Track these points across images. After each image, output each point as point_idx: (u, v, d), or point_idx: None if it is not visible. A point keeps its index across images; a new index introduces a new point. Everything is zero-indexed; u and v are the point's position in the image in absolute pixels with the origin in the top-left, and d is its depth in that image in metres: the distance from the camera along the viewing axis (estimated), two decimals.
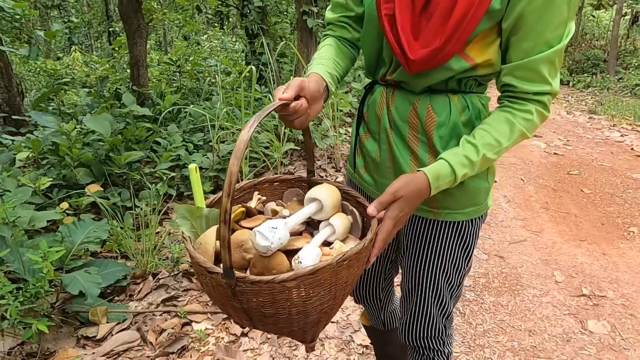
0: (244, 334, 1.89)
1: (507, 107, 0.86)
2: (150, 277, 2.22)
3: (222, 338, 1.86)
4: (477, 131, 0.85)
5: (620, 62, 9.69)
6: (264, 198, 0.97)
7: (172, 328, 1.89)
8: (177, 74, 5.64)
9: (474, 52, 0.83)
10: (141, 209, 2.41)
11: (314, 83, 0.84)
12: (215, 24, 12.99)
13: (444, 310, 1.07)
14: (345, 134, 4.19)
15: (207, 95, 4.84)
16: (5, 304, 1.52)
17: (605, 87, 8.52)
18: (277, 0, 6.32)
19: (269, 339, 1.87)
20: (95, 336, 1.81)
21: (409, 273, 1.08)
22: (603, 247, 2.69)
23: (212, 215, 0.83)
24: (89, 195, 2.46)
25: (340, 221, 0.84)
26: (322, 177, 3.62)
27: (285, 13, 7.35)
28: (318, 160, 3.93)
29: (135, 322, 1.93)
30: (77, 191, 2.56)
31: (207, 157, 3.24)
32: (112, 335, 1.83)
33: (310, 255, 0.73)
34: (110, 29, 11.24)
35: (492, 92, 0.82)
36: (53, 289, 1.83)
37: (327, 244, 0.84)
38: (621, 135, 5.31)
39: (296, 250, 0.77)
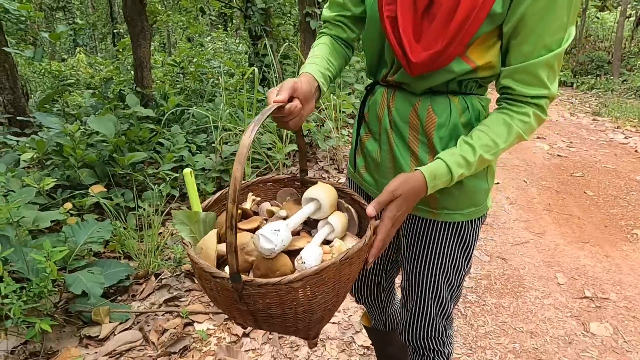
0: (245, 335, 1.89)
1: (505, 109, 0.86)
2: (153, 278, 2.23)
3: (224, 338, 1.87)
4: (474, 132, 0.86)
5: (625, 63, 9.66)
6: (259, 199, 0.97)
7: (174, 328, 1.90)
8: (181, 75, 5.66)
9: (475, 55, 0.83)
10: (144, 209, 2.42)
11: (306, 83, 0.84)
12: (219, 26, 13.03)
13: (444, 311, 1.08)
14: (347, 135, 4.19)
15: (210, 96, 4.86)
16: (9, 303, 1.53)
17: (610, 88, 8.48)
18: (281, 2, 6.34)
19: (270, 339, 1.87)
20: (98, 336, 1.82)
21: (408, 273, 1.08)
22: (606, 249, 2.68)
23: (209, 219, 0.84)
24: (92, 196, 2.47)
25: (339, 220, 0.86)
26: (324, 178, 3.62)
27: (289, 15, 7.37)
28: (320, 161, 3.94)
29: (138, 322, 1.94)
30: (81, 192, 2.58)
31: (210, 158, 3.25)
32: (115, 335, 1.84)
33: (312, 255, 0.74)
34: (115, 31, 11.30)
35: (493, 93, 0.82)
36: (56, 289, 1.85)
37: (326, 242, 0.85)
38: (625, 137, 5.29)
39: (297, 251, 0.78)
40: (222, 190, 0.93)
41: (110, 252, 2.40)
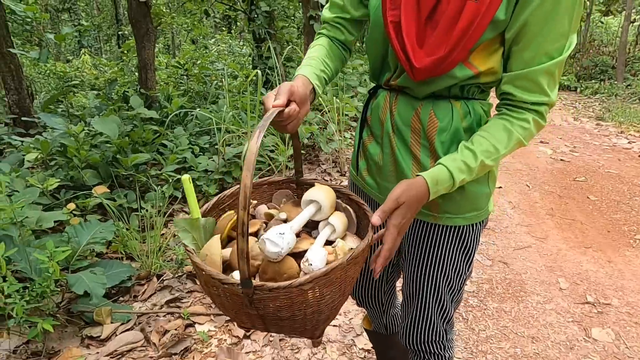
0: (246, 337, 1.90)
1: (505, 115, 0.87)
2: (155, 279, 2.24)
3: (225, 340, 1.87)
4: (475, 137, 0.86)
5: (629, 68, 9.64)
6: (255, 202, 0.98)
7: (176, 329, 1.91)
8: (185, 77, 5.69)
9: (477, 61, 0.84)
10: (147, 210, 2.43)
11: (302, 86, 0.85)
12: (223, 28, 13.08)
13: (445, 315, 1.08)
14: (350, 138, 4.19)
15: (213, 98, 4.88)
16: (12, 302, 1.54)
17: (613, 93, 8.47)
18: (285, 5, 6.37)
19: (271, 341, 1.88)
20: (100, 336, 1.83)
21: (410, 277, 1.08)
22: (609, 254, 2.67)
23: (208, 225, 0.85)
24: (95, 197, 2.49)
25: (339, 220, 0.87)
26: (326, 180, 3.62)
27: (293, 17, 7.40)
28: (323, 164, 3.95)
29: (139, 323, 1.94)
30: (84, 192, 2.59)
31: (213, 160, 3.26)
32: (116, 335, 1.85)
33: (318, 256, 0.75)
34: (120, 32, 11.36)
35: (495, 98, 0.83)
36: (59, 289, 1.85)
37: (327, 242, 0.86)
38: (629, 142, 5.27)
39: (300, 253, 0.79)
40: (219, 195, 0.94)
41: (113, 252, 2.41)
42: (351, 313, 2.08)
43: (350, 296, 1.29)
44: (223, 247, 0.83)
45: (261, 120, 0.70)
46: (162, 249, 2.37)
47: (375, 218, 0.80)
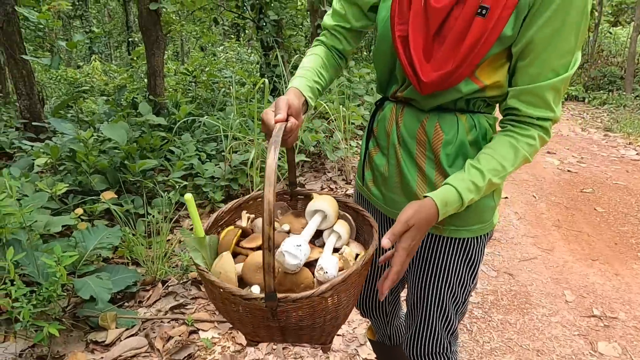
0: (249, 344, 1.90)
1: (510, 132, 0.87)
2: (160, 284, 2.25)
3: (228, 347, 1.87)
4: (481, 156, 0.86)
5: (638, 79, 9.58)
6: (253, 216, 0.99)
7: (180, 335, 1.91)
8: (193, 84, 5.75)
9: (483, 75, 0.85)
10: (153, 216, 2.45)
11: (296, 100, 0.87)
12: (232, 36, 13.22)
13: (449, 326, 1.08)
14: (356, 146, 4.21)
15: (221, 105, 4.92)
16: (19, 306, 1.56)
17: (622, 104, 8.41)
18: (293, 14, 6.43)
19: (274, 349, 1.88)
20: (104, 341, 1.84)
21: (414, 288, 1.08)
22: (616, 267, 2.65)
23: (212, 242, 0.86)
24: (103, 202, 2.51)
25: (344, 228, 0.89)
26: (332, 189, 3.63)
27: (301, 26, 7.46)
28: (329, 172, 3.96)
29: (144, 329, 1.95)
30: (92, 197, 2.62)
31: (219, 167, 3.28)
32: (121, 340, 1.86)
33: (331, 264, 0.78)
34: (130, 39, 11.51)
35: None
36: (65, 293, 1.87)
37: (333, 249, 0.89)
38: (637, 154, 5.23)
39: (310, 262, 0.81)
40: (218, 212, 0.95)
41: (119, 257, 2.43)
42: (355, 322, 2.08)
43: (354, 306, 1.29)
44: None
45: (272, 136, 0.72)
46: (167, 254, 2.38)
47: (385, 241, 0.80)
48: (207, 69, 6.54)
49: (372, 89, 5.77)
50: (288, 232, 0.90)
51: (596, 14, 10.15)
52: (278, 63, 5.22)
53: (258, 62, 7.58)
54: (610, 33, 12.55)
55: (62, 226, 2.14)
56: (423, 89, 0.86)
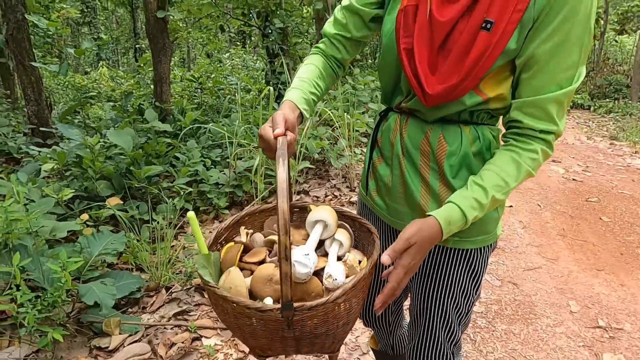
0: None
1: (513, 147, 0.86)
2: (164, 290, 2.26)
3: (231, 354, 1.87)
4: (484, 172, 0.86)
5: None
6: (251, 231, 1.00)
7: (182, 342, 1.92)
8: (199, 90, 5.79)
9: (487, 88, 0.85)
10: (158, 222, 2.46)
11: (291, 114, 0.88)
12: (238, 43, 13.31)
13: (452, 337, 1.07)
14: (360, 153, 4.21)
15: (226, 112, 4.95)
16: (24, 312, 1.57)
17: (628, 113, 8.37)
18: (298, 22, 6.47)
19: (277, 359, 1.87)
20: (108, 347, 1.85)
21: (417, 299, 1.08)
22: (621, 277, 2.63)
23: (215, 259, 0.87)
24: (108, 208, 2.53)
25: (344, 236, 0.91)
26: (336, 196, 3.64)
27: (306, 34, 7.50)
28: (333, 179, 3.96)
29: (147, 335, 1.96)
30: (98, 203, 2.64)
31: (224, 173, 3.30)
32: (124, 346, 1.86)
33: (339, 271, 0.81)
34: (137, 46, 11.62)
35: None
36: (69, 299, 1.88)
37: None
38: None
39: (316, 271, 0.83)
40: (218, 228, 0.96)
41: (123, 263, 2.44)
42: (357, 331, 2.07)
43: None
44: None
45: (278, 150, 0.73)
46: (171, 261, 2.39)
47: (385, 257, 0.80)
48: (213, 76, 6.60)
49: (376, 96, 5.79)
50: (290, 244, 0.92)
51: (602, 22, 10.14)
52: (283, 70, 5.26)
53: (263, 69, 7.63)
54: (616, 41, 12.53)
55: (68, 231, 2.16)
56: (428, 101, 0.87)
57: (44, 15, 3.90)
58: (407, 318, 1.40)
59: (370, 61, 10.64)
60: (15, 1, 3.54)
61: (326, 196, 3.62)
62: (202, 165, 3.35)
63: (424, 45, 0.86)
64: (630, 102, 8.94)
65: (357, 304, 0.79)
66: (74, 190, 2.46)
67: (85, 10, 12.55)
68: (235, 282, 0.79)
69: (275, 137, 0.80)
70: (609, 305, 2.35)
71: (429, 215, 0.83)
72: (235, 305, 0.71)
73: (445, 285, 1.02)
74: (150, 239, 2.55)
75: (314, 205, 0.94)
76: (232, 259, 0.87)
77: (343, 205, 3.46)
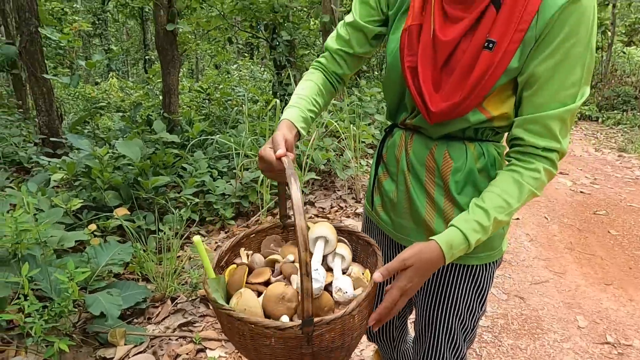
0: None
1: (515, 167, 0.86)
2: (169, 301, 2.27)
3: None
4: (485, 194, 0.85)
5: None
6: (251, 252, 1.02)
7: (187, 354, 1.92)
8: (207, 101, 5.85)
9: (490, 106, 0.86)
10: (164, 233, 2.48)
11: (289, 134, 0.89)
12: (245, 54, 13.46)
13: (457, 353, 1.07)
14: (366, 165, 4.22)
15: (233, 123, 5.00)
16: (31, 322, 1.58)
17: (636, 124, 8.31)
18: (305, 34, 6.55)
19: None
20: (113, 358, 1.85)
21: (422, 314, 1.08)
22: (630, 292, 2.59)
23: (222, 282, 0.89)
24: (116, 218, 2.55)
25: (346, 250, 0.93)
26: (341, 207, 3.64)
27: (313, 46, 7.58)
28: (338, 190, 3.97)
29: (152, 346, 1.96)
30: (106, 214, 2.67)
31: (231, 184, 3.32)
32: (129, 357, 1.87)
33: (347, 283, 0.83)
34: (147, 57, 11.79)
35: None
36: (76, 309, 1.89)
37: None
38: None
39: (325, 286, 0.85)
40: (219, 252, 0.97)
41: (130, 273, 2.46)
42: (362, 345, 2.06)
43: None
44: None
45: (287, 169, 0.75)
46: (177, 271, 2.40)
47: (377, 275, 0.80)
48: (220, 87, 6.67)
49: (382, 107, 5.80)
50: (293, 262, 0.93)
51: (609, 33, 10.13)
52: (290, 82, 5.31)
53: (270, 80, 7.70)
54: (624, 53, 12.49)
55: (76, 241, 2.18)
56: (432, 118, 0.88)
57: (57, 28, 3.98)
58: (412, 333, 1.39)
59: (376, 73, 10.70)
60: (29, 14, 3.62)
61: (332, 207, 3.63)
62: (209, 176, 3.37)
63: (427, 64, 0.87)
64: (638, 113, 8.88)
65: (367, 315, 0.81)
66: (82, 201, 2.48)
67: (97, 22, 12.80)
68: (249, 304, 0.79)
69: (278, 158, 0.81)
70: (617, 320, 2.32)
71: (431, 240, 0.83)
72: (253, 326, 0.71)
73: (450, 301, 1.02)
74: (156, 249, 2.56)
75: (312, 222, 0.95)
76: (239, 281, 0.87)
77: (349, 217, 3.46)
